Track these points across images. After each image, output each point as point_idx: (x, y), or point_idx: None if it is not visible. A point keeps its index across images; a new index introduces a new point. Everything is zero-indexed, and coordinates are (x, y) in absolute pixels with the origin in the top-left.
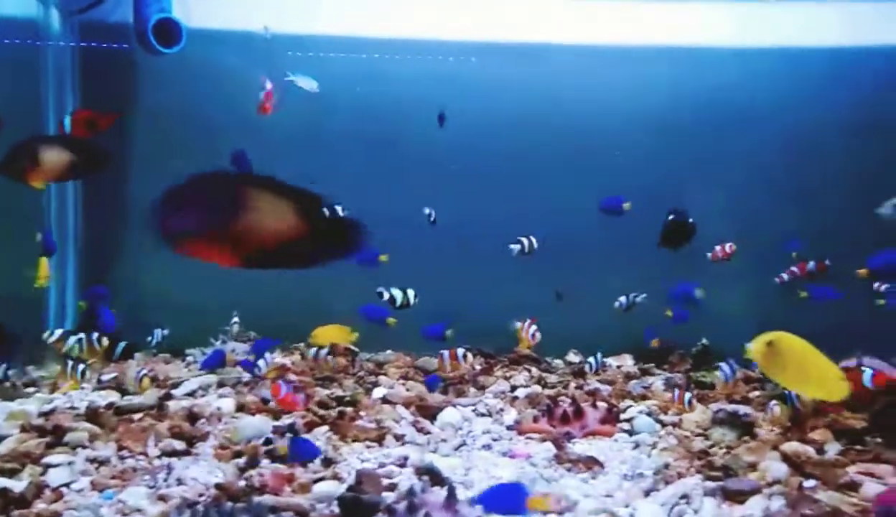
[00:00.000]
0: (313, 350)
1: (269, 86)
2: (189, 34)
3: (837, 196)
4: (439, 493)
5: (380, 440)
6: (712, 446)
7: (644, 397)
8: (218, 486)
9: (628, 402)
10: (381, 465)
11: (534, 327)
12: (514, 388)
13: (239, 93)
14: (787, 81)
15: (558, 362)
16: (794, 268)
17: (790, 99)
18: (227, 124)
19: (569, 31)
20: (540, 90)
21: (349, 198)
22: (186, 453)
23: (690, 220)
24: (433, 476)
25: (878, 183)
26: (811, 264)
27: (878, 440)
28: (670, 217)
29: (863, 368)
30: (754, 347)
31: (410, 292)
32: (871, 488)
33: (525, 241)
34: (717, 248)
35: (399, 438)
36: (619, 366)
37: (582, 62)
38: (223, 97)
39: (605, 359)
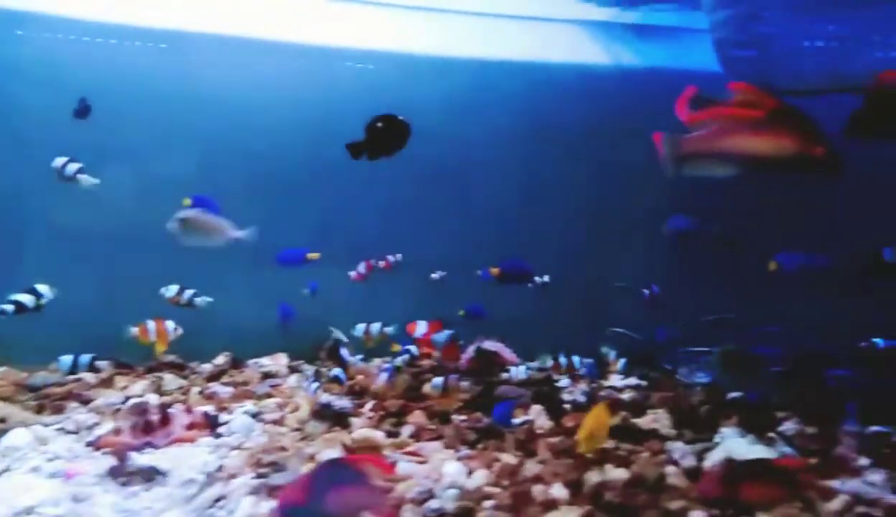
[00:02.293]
0: None
1: None
2: None
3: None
4: None
5: None
6: (303, 439)
7: (269, 395)
8: None
9: (243, 403)
10: None
11: (172, 326)
12: (126, 399)
13: None
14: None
15: (206, 366)
16: (366, 263)
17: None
18: None
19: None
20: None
21: None
22: None
23: None
24: None
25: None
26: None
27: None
28: None
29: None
30: (587, 442)
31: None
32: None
33: None
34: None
35: None
36: (264, 366)
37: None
38: None
39: (258, 360)
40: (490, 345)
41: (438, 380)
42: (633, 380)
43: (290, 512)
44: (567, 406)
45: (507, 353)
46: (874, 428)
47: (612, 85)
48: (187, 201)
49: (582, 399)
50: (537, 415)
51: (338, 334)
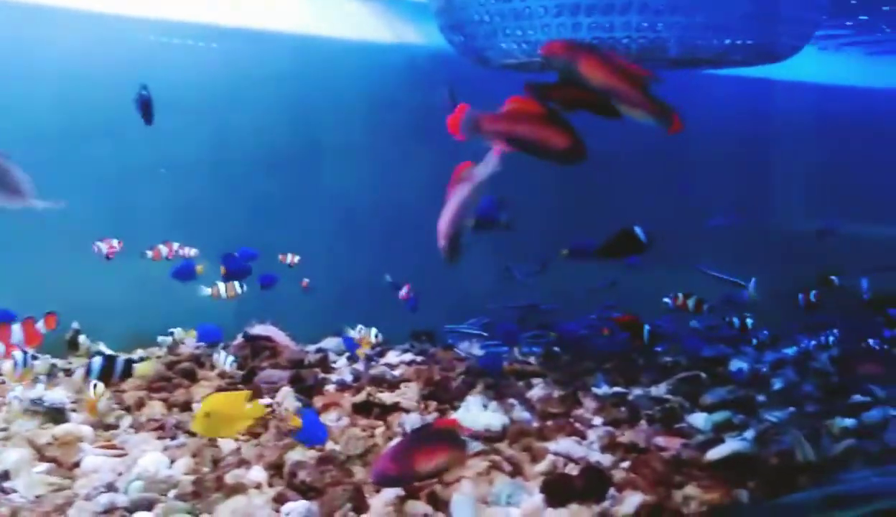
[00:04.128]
0: None
1: None
2: None
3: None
4: None
5: None
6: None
7: None
8: None
9: None
10: None
11: None
12: None
13: None
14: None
15: None
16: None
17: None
18: None
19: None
20: None
21: None
22: None
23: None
24: None
25: None
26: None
27: None
28: None
29: None
30: (196, 424)
31: None
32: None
33: None
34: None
35: None
36: None
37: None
38: None
39: None
40: (261, 329)
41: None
42: (408, 357)
43: (384, 480)
44: (332, 387)
45: (281, 337)
46: (617, 389)
47: (394, 62)
48: None
49: (349, 379)
50: (284, 398)
51: (75, 325)
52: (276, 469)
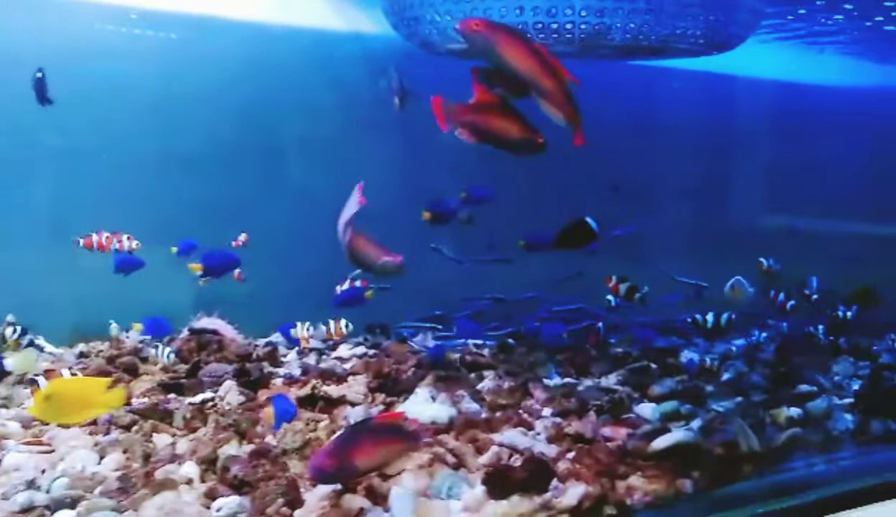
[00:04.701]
0: None
1: None
2: None
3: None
4: None
5: None
6: None
7: None
8: None
9: None
10: None
11: None
12: None
13: None
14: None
15: None
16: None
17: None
18: None
19: None
20: None
21: None
22: None
23: None
24: None
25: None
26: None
27: None
28: None
29: None
30: (35, 407)
31: None
32: None
33: None
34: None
35: None
36: None
37: None
38: None
39: None
40: (207, 322)
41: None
42: (360, 350)
43: (320, 476)
44: (279, 381)
45: (228, 330)
46: (568, 380)
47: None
48: None
49: (297, 373)
50: (227, 392)
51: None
52: (209, 464)
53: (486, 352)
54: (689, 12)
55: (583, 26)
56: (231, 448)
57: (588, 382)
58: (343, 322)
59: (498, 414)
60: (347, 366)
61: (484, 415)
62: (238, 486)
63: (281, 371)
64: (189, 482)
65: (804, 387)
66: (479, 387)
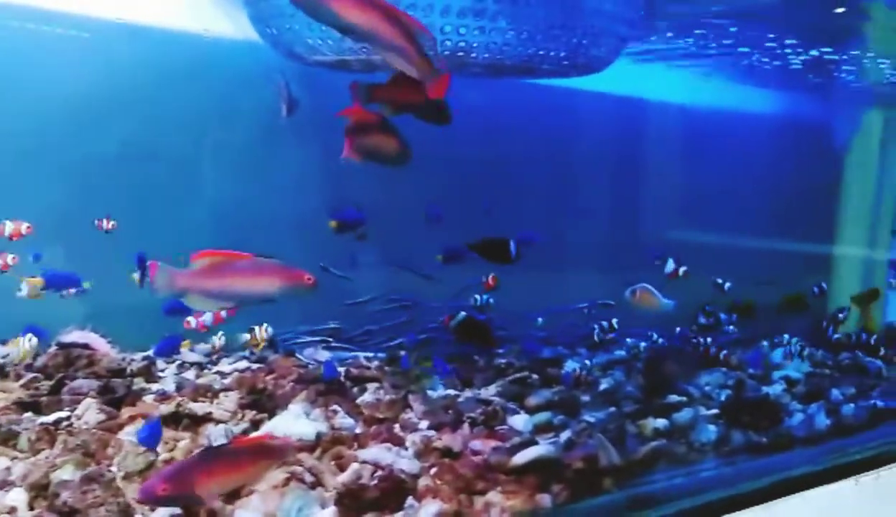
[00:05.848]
0: None
1: None
2: None
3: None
4: None
5: None
6: None
7: None
8: None
9: None
10: None
11: None
12: None
13: None
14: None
15: None
16: None
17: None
18: None
19: None
20: None
21: None
22: None
23: None
24: None
25: None
26: None
27: None
28: None
29: None
30: None
31: None
32: None
33: None
34: None
35: None
36: None
37: None
38: None
39: None
40: (79, 335)
41: None
42: (243, 365)
43: (149, 499)
44: (149, 398)
45: (101, 344)
46: (450, 391)
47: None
48: None
49: (171, 388)
50: (86, 410)
51: None
52: (41, 489)
53: (374, 365)
54: (552, 35)
55: (447, 43)
56: (65, 472)
57: (468, 394)
58: (265, 326)
59: (373, 428)
60: (227, 380)
61: (358, 430)
62: (68, 513)
63: (154, 387)
64: (11, 511)
65: (674, 398)
66: (358, 400)
